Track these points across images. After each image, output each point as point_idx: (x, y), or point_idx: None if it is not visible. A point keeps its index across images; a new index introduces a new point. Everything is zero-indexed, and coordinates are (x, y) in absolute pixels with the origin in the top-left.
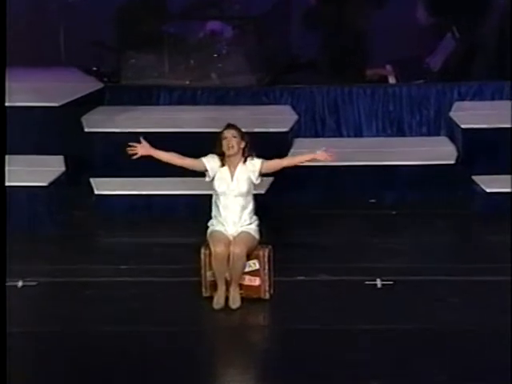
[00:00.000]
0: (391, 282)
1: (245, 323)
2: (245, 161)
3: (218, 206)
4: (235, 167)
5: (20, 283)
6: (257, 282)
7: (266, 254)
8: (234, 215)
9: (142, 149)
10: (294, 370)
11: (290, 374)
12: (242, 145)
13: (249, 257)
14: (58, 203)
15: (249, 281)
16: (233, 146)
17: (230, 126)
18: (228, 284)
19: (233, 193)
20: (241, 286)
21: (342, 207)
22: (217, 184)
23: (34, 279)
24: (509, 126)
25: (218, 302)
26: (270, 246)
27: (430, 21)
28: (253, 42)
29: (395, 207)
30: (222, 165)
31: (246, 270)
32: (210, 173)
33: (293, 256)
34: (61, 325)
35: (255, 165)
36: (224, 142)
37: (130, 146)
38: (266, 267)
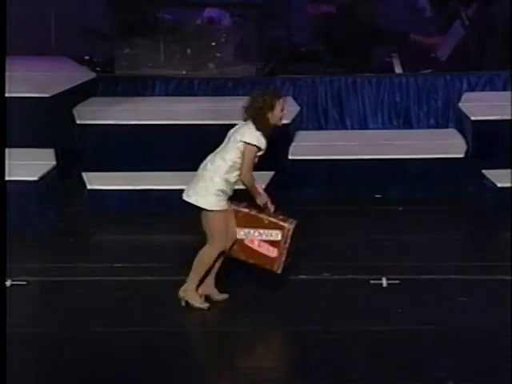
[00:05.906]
0: (397, 281)
1: (244, 324)
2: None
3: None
4: None
5: (8, 282)
6: (275, 253)
7: (292, 229)
8: None
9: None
10: (295, 373)
11: (291, 378)
12: None
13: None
14: (48, 198)
15: (267, 250)
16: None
17: (284, 97)
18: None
19: None
20: (256, 253)
21: (345, 203)
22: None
23: (23, 278)
24: None
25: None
26: (295, 222)
27: (438, 7)
28: (252, 30)
29: (402, 203)
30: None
31: (267, 238)
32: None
33: (294, 254)
34: (52, 326)
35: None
36: (279, 115)
37: None
38: (288, 241)
